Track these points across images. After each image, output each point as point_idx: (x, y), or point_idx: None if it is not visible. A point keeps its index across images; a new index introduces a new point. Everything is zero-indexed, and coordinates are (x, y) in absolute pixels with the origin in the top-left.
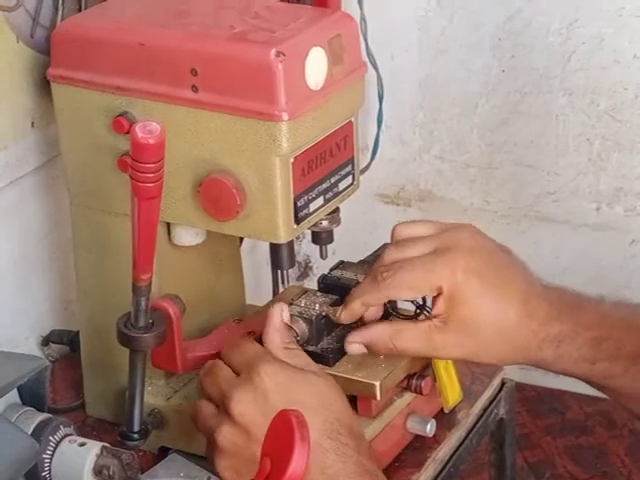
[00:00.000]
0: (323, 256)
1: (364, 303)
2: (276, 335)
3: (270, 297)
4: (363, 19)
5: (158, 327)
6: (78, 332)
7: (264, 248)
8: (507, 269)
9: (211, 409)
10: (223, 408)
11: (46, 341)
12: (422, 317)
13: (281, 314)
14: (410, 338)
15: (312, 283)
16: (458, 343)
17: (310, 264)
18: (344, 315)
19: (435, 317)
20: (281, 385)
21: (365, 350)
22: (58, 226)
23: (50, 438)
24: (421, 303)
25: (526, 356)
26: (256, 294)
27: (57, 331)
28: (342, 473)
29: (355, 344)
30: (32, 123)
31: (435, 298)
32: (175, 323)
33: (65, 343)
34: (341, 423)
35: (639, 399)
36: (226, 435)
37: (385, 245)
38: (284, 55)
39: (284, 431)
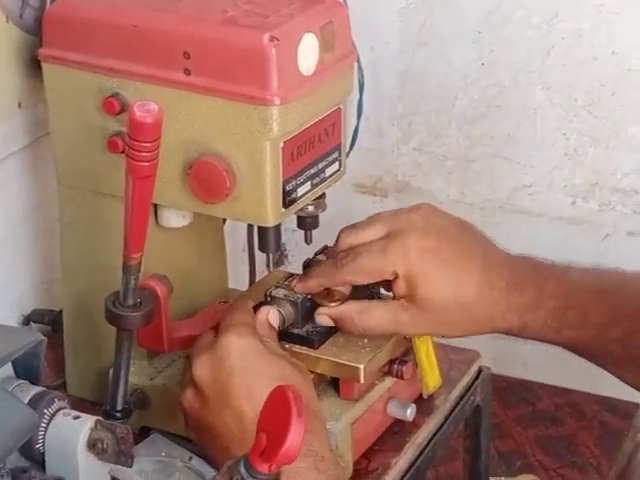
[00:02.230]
0: (308, 241)
1: (320, 284)
2: (259, 329)
3: (246, 282)
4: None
5: (146, 306)
6: (60, 312)
7: (241, 233)
8: (463, 244)
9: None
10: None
11: (27, 320)
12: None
13: (268, 313)
14: (376, 316)
15: (288, 270)
16: (422, 320)
17: (285, 252)
18: (299, 286)
19: (400, 298)
20: (241, 354)
21: (332, 323)
22: (42, 206)
23: (45, 411)
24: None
25: (492, 327)
26: (232, 279)
27: (39, 310)
28: None
29: (323, 316)
30: (19, 103)
31: (394, 281)
32: (163, 303)
33: (47, 323)
34: None
35: (614, 364)
36: (186, 396)
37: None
38: (277, 40)
39: (280, 406)
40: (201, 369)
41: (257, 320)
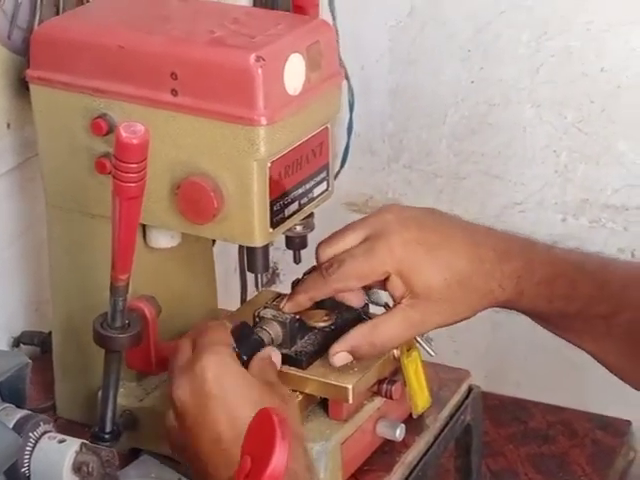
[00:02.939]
0: (296, 261)
1: (311, 298)
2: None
3: (238, 302)
4: (335, 28)
5: (134, 328)
6: (49, 333)
7: (233, 253)
8: (444, 227)
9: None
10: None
11: (17, 342)
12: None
13: (271, 352)
14: (389, 328)
15: (279, 289)
16: (434, 311)
17: (277, 271)
18: (288, 306)
19: (401, 298)
20: (219, 376)
21: (350, 358)
22: (31, 228)
23: (30, 434)
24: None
25: (493, 298)
26: (224, 299)
27: (28, 332)
28: None
29: (339, 354)
30: (8, 124)
31: (387, 281)
32: (151, 324)
33: (36, 344)
34: None
35: (595, 341)
36: (168, 416)
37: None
38: (264, 60)
39: (264, 429)
40: (179, 390)
41: (260, 361)
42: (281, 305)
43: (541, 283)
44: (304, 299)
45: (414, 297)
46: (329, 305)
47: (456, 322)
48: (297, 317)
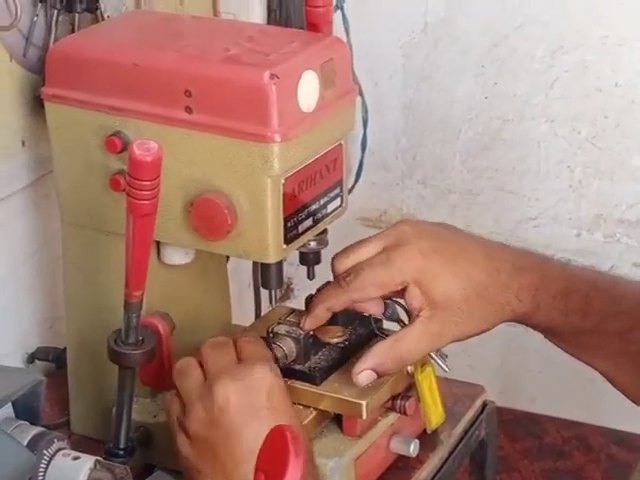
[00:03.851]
0: (310, 277)
1: (329, 308)
2: None
3: (252, 318)
4: (349, 45)
5: (148, 344)
6: (64, 349)
7: (247, 269)
8: (459, 240)
9: (177, 409)
10: (183, 419)
11: (32, 358)
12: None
13: None
14: (411, 341)
15: (293, 305)
16: (452, 322)
17: (292, 286)
18: (308, 321)
19: (420, 310)
20: (234, 406)
21: (374, 376)
22: (46, 244)
23: (44, 452)
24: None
25: (510, 311)
26: (239, 315)
27: (43, 348)
28: None
29: (363, 372)
30: (23, 142)
31: (405, 292)
32: (165, 340)
33: (51, 360)
34: None
35: (609, 359)
36: (182, 445)
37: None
38: (278, 78)
39: (278, 446)
40: (195, 426)
41: None
42: (301, 324)
43: (556, 297)
44: (322, 311)
45: (433, 308)
46: (342, 321)
47: (474, 335)
48: (311, 333)
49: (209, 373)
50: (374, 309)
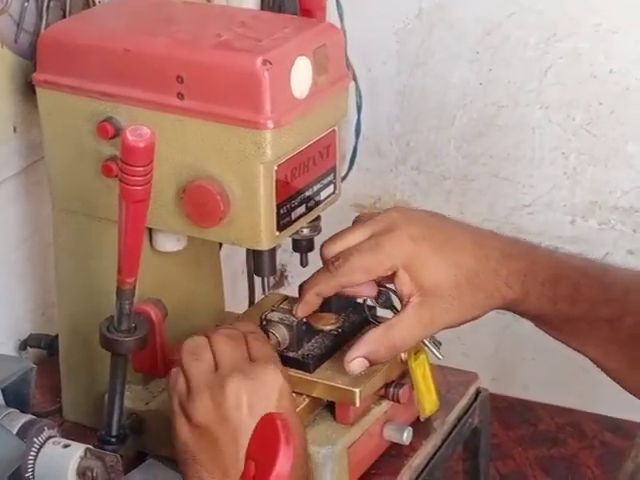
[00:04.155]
0: (303, 264)
1: (318, 293)
2: None
3: (246, 305)
4: (343, 31)
5: (140, 331)
6: (56, 336)
7: (240, 256)
8: (448, 227)
9: (182, 390)
10: (186, 402)
11: (24, 345)
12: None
13: None
14: (403, 328)
15: (287, 292)
16: (443, 308)
17: (285, 273)
18: (300, 308)
19: (410, 296)
20: (245, 405)
21: (367, 364)
22: (38, 231)
23: (34, 439)
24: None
25: (500, 297)
26: (232, 302)
27: (35, 335)
28: None
29: (356, 360)
30: (14, 128)
31: (395, 277)
32: (157, 327)
33: (43, 347)
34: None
35: (599, 346)
36: (181, 428)
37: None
38: (270, 64)
39: (269, 434)
40: (200, 414)
41: None
42: (293, 311)
43: (545, 284)
44: (312, 297)
45: (423, 294)
46: (336, 308)
47: (466, 321)
48: (304, 320)
49: (222, 364)
50: (366, 292)
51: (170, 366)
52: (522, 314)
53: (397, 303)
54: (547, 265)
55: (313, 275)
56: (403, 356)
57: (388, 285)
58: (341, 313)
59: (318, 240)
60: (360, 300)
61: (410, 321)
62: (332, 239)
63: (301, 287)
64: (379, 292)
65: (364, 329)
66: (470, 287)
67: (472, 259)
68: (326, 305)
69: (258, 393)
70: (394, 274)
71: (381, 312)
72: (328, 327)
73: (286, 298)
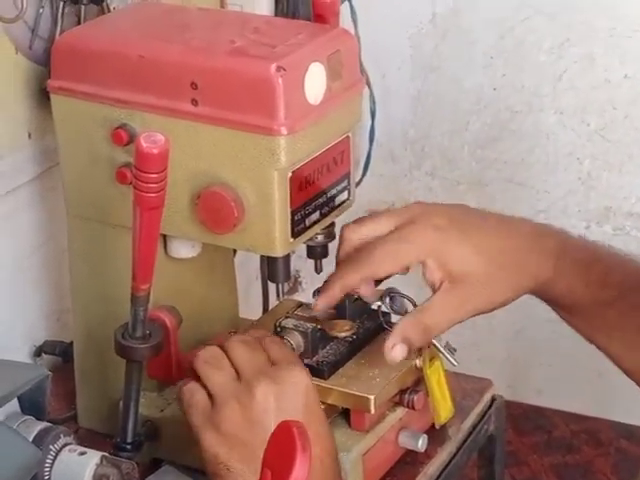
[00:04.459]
0: (318, 270)
1: (344, 286)
2: None
3: (260, 311)
4: (357, 36)
5: (155, 338)
6: (71, 343)
7: (254, 262)
8: (472, 215)
9: (204, 401)
10: (211, 413)
11: (39, 351)
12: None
13: None
14: (435, 311)
15: (301, 297)
16: (474, 293)
17: (299, 279)
18: (321, 299)
19: (440, 283)
20: (273, 408)
21: (406, 349)
22: (52, 237)
23: (50, 447)
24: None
25: (531, 278)
26: (246, 308)
27: (50, 342)
28: None
29: (395, 347)
30: (29, 134)
31: (424, 268)
32: (172, 334)
33: (58, 354)
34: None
35: (624, 339)
36: (210, 440)
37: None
38: (284, 70)
39: (285, 442)
40: (227, 425)
41: None
42: (313, 304)
43: (577, 264)
44: (337, 290)
45: (452, 281)
46: (350, 315)
47: (499, 305)
48: (319, 327)
49: (244, 371)
50: (371, 296)
51: (184, 373)
52: (552, 300)
53: (410, 309)
54: (579, 246)
55: (337, 268)
56: (418, 362)
57: (401, 292)
58: (355, 320)
59: (332, 246)
60: (374, 307)
61: (441, 303)
62: (356, 224)
63: (316, 293)
64: (393, 298)
65: (379, 336)
66: (500, 271)
67: (500, 241)
68: (340, 312)
69: (286, 395)
70: (423, 264)
71: (395, 318)
72: (343, 334)
73: (300, 305)
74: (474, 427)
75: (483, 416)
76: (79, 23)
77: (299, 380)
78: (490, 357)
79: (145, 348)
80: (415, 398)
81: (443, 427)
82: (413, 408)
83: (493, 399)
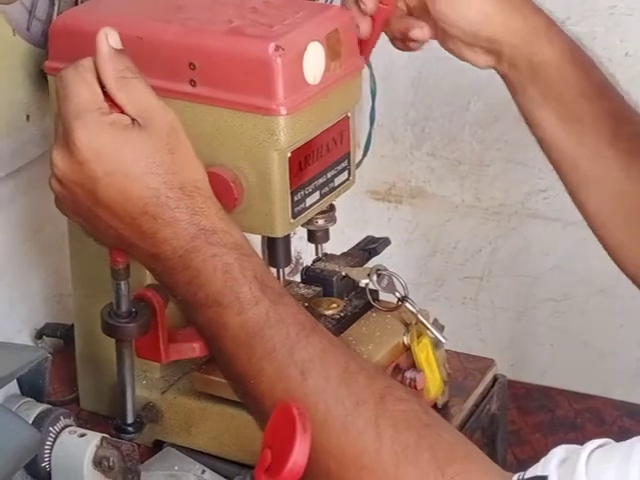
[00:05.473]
0: (319, 254)
1: None
2: (107, 65)
3: None
4: None
5: (142, 317)
6: (72, 326)
7: (255, 244)
8: None
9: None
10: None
11: (40, 334)
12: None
13: (107, 39)
14: None
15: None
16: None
17: (301, 260)
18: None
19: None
20: (99, 155)
21: None
22: (52, 220)
23: (50, 429)
24: (402, 295)
25: (521, 12)
26: None
27: (51, 324)
28: (171, 237)
29: None
30: (27, 116)
31: None
32: (159, 313)
33: (59, 337)
34: (169, 186)
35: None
36: (54, 187)
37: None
38: (283, 49)
39: (285, 422)
40: (60, 171)
41: (101, 54)
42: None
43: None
44: None
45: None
46: (338, 293)
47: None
48: (306, 305)
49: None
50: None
51: (172, 352)
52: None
53: (399, 287)
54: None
55: None
56: (406, 340)
57: (388, 269)
58: (343, 297)
59: (333, 231)
60: (362, 284)
61: None
62: None
63: (305, 273)
64: (381, 276)
65: (366, 313)
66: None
67: None
68: (328, 289)
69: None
70: None
71: (383, 296)
72: (330, 311)
73: (288, 283)
74: (477, 406)
75: (485, 395)
76: (76, 4)
77: (79, 148)
78: (494, 337)
79: (132, 327)
80: (417, 377)
81: (445, 407)
82: (415, 387)
83: (495, 378)
